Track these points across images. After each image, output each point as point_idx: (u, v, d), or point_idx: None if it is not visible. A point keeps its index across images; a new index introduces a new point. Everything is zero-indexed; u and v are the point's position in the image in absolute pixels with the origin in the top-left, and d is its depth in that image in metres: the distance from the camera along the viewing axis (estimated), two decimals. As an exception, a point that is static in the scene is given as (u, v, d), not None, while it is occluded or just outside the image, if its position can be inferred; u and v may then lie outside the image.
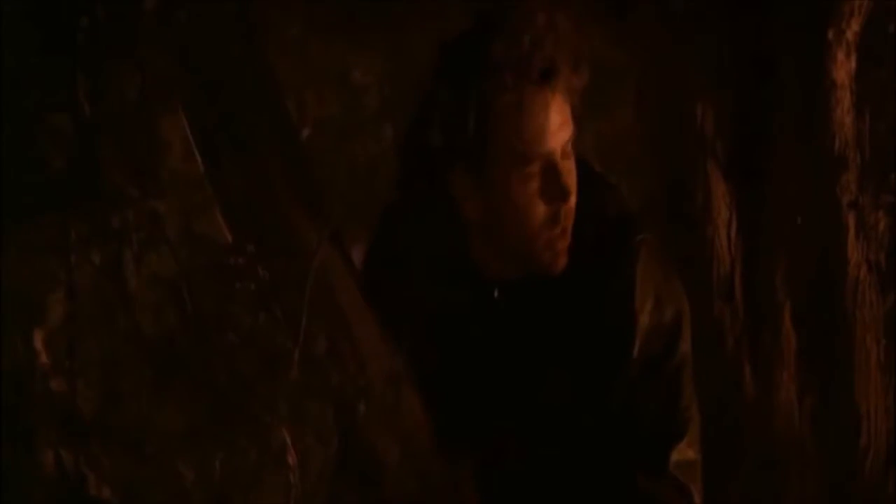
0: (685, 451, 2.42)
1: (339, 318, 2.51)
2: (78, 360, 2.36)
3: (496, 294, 2.46)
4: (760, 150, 3.13)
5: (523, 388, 2.48)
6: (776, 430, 3.10)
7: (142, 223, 2.24)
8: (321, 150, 3.16)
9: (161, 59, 2.38)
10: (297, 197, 2.55)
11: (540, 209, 2.32)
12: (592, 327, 2.41)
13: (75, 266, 2.34)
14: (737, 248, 3.12)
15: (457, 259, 2.48)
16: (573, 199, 2.33)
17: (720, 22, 3.13)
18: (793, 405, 3.09)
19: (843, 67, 3.09)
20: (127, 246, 2.28)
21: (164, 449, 2.39)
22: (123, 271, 2.38)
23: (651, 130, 3.26)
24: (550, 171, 2.30)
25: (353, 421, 2.45)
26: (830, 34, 3.06)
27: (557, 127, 2.29)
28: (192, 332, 2.43)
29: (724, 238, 3.12)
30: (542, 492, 2.52)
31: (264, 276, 2.48)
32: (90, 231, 2.23)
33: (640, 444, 2.45)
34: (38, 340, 2.41)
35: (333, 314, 2.51)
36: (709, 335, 3.08)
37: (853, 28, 3.08)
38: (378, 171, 3.34)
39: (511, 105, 2.27)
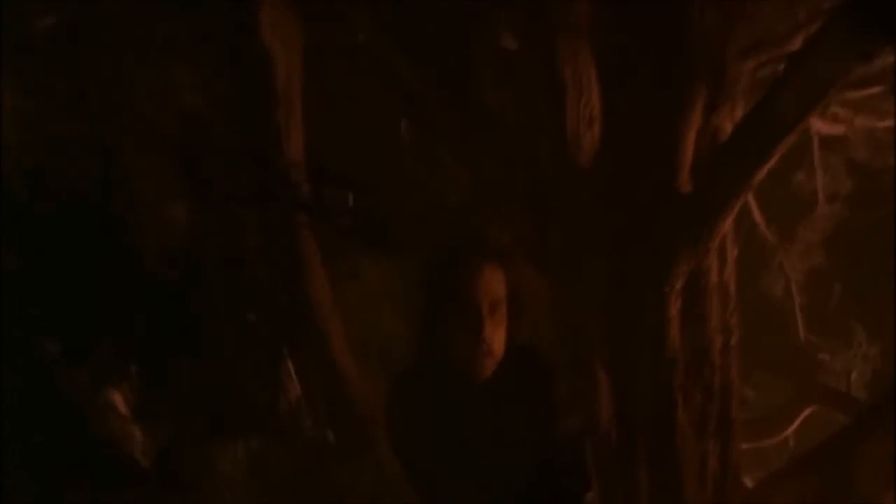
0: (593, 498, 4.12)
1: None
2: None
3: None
4: (625, 358, 4.93)
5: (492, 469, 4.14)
6: None
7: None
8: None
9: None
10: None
11: None
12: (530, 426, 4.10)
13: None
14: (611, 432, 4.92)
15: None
16: None
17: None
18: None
19: (674, 306, 4.91)
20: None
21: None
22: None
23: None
24: None
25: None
26: (667, 288, 4.88)
27: None
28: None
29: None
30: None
31: (331, 438, 4.27)
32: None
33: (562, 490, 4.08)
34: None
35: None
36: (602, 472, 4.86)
37: (679, 283, 4.90)
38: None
39: None
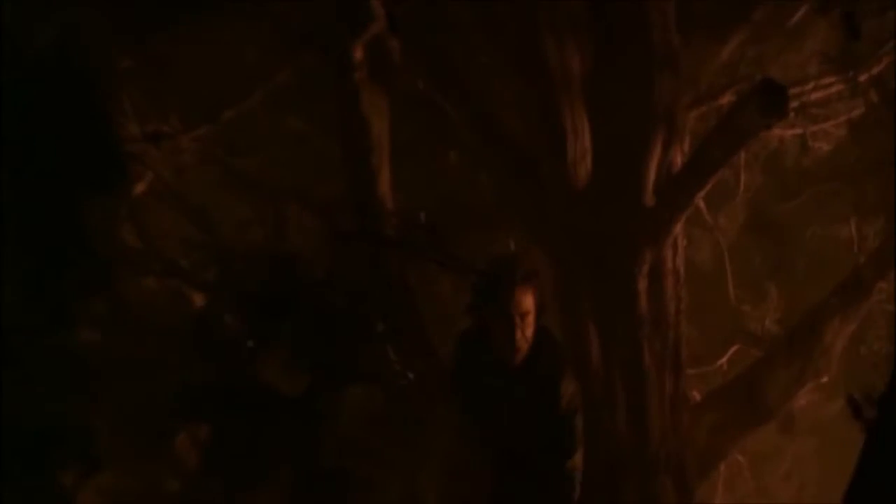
0: (578, 459, 5.83)
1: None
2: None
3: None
4: (608, 321, 7.02)
5: (516, 419, 6.02)
6: (617, 428, 7.01)
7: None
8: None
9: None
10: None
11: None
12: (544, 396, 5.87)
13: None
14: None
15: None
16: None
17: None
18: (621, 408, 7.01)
19: (642, 283, 6.99)
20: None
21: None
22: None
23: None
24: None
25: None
26: (636, 271, 6.94)
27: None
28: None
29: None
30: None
31: (414, 374, 6.36)
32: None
33: (554, 452, 5.77)
34: None
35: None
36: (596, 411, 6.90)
37: (645, 268, 6.95)
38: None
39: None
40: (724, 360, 8.47)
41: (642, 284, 7.06)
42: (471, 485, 5.77)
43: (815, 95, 7.92)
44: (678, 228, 7.09)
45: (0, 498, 5.33)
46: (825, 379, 7.67)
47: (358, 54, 6.52)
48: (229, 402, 6.43)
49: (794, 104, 7.76)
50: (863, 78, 7.58)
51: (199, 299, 6.37)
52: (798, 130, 8.15)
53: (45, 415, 5.48)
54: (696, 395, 7.99)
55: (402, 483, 6.79)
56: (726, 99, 7.23)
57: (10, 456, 5.32)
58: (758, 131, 6.67)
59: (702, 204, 8.36)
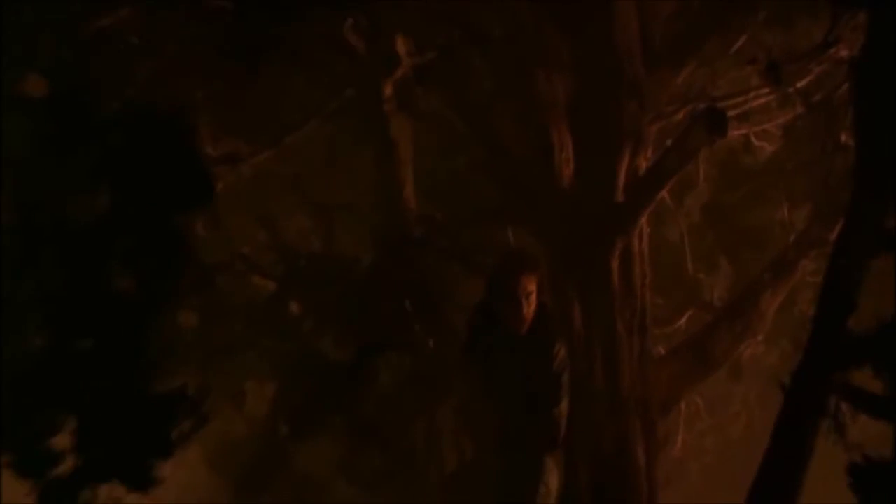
0: (564, 407, 7.44)
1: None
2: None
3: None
4: (587, 296, 8.70)
5: (518, 375, 7.65)
6: (595, 379, 8.71)
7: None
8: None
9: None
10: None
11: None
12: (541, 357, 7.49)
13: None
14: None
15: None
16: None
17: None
18: (601, 375, 8.72)
19: (614, 264, 8.66)
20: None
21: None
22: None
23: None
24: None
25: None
26: (610, 255, 8.61)
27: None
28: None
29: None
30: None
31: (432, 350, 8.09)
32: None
33: (546, 401, 7.35)
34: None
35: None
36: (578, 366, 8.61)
37: (617, 252, 8.62)
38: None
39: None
40: (681, 322, 10.23)
41: (614, 265, 8.72)
42: (477, 428, 7.27)
43: (755, 103, 9.56)
44: (643, 220, 8.76)
45: (133, 451, 6.95)
46: (760, 337, 9.37)
47: (388, 90, 8.17)
48: (294, 368, 8.10)
49: (737, 111, 9.43)
50: (791, 90, 9.21)
51: (270, 289, 8.01)
52: (744, 131, 9.81)
53: (164, 383, 7.09)
54: (661, 350, 9.69)
55: (424, 427, 8.51)
56: (683, 114, 8.86)
57: (138, 420, 6.92)
58: (704, 146, 8.35)
59: (667, 196, 10.02)
